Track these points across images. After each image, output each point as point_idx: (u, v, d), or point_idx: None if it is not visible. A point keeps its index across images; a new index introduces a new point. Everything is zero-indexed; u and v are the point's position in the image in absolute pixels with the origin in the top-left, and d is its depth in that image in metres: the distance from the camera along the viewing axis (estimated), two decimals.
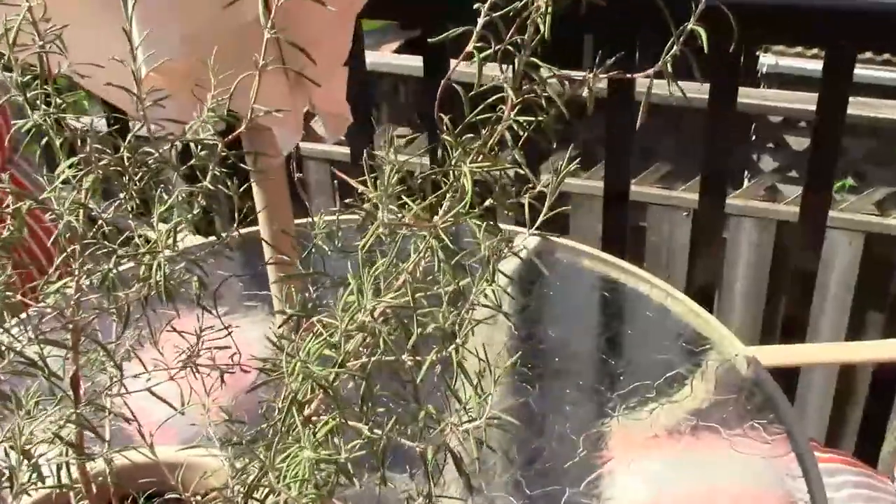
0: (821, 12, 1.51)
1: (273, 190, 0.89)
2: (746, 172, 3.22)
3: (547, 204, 0.53)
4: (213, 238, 0.64)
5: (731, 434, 1.25)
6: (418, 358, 0.59)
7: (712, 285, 1.81)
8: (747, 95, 2.87)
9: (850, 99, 1.54)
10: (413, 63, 3.09)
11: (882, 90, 3.27)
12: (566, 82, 0.57)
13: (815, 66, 3.60)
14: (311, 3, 0.66)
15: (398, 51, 4.25)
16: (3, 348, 0.56)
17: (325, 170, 3.22)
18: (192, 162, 0.68)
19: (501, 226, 0.58)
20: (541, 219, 0.54)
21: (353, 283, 0.50)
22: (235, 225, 0.62)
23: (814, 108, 2.43)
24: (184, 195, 0.60)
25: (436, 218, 0.56)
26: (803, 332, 1.73)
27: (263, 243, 0.90)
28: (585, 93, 0.58)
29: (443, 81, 0.55)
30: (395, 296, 0.57)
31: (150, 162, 0.68)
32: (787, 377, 1.80)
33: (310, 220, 0.70)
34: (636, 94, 1.70)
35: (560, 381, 1.40)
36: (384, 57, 3.36)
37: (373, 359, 0.58)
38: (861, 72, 1.54)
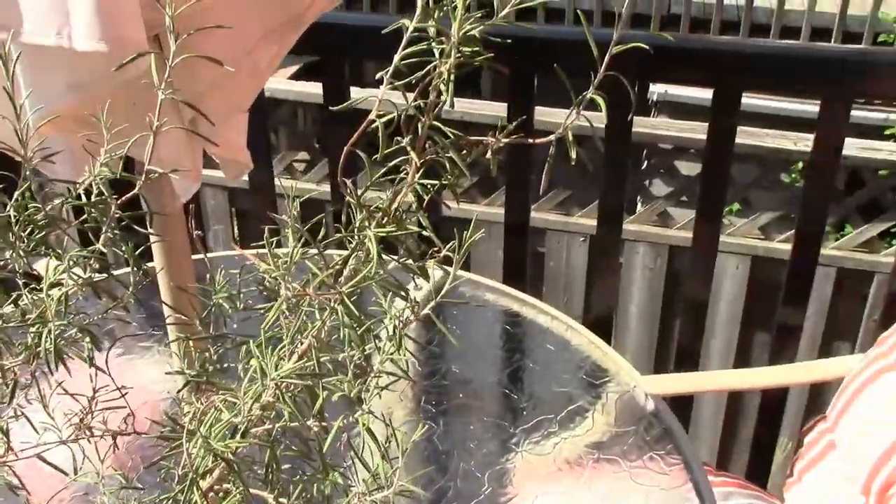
0: (707, 53, 1.57)
1: (172, 245, 0.87)
2: (639, 198, 3.31)
3: (452, 275, 0.53)
4: (106, 299, 0.62)
5: (631, 466, 1.28)
6: (324, 424, 0.58)
7: (610, 314, 1.85)
8: (640, 124, 2.96)
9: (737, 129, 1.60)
10: (312, 90, 3.07)
11: (765, 119, 3.42)
12: (470, 146, 0.57)
13: (703, 94, 3.74)
14: (207, 48, 0.65)
15: (295, 76, 4.21)
16: None
17: (223, 196, 3.16)
18: (84, 218, 0.66)
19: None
20: (445, 288, 0.53)
21: (254, 362, 0.49)
22: (130, 289, 0.60)
23: (703, 136, 2.53)
24: (75, 259, 0.58)
25: (341, 284, 0.55)
26: (696, 359, 1.78)
27: (162, 299, 0.88)
28: (489, 155, 0.58)
29: (346, 148, 0.54)
30: (298, 363, 0.55)
31: (39, 220, 0.65)
32: (682, 404, 1.85)
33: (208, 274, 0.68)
34: (534, 123, 1.73)
35: (464, 417, 1.40)
36: (282, 83, 3.32)
37: (277, 425, 0.57)
38: (746, 101, 1.61)
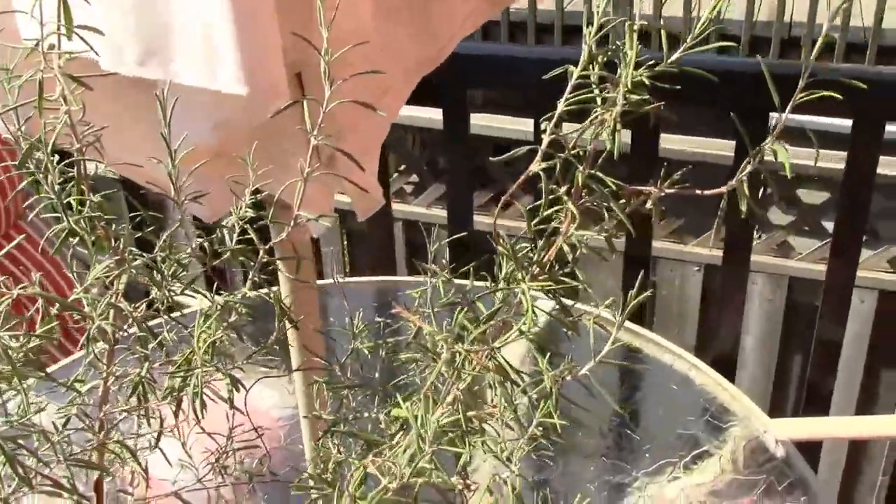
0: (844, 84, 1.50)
1: (303, 287, 0.86)
2: (756, 227, 3.20)
3: (615, 333, 0.50)
4: (251, 346, 0.61)
5: None
6: (468, 482, 0.56)
7: (733, 351, 1.77)
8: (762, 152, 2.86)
9: None
10: (424, 114, 3.08)
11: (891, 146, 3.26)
12: (630, 197, 0.55)
13: (825, 120, 3.60)
14: (346, 90, 0.64)
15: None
16: (31, 471, 0.52)
17: (333, 218, 3.20)
18: (225, 258, 0.66)
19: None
20: (606, 349, 0.50)
21: (413, 432, 0.47)
22: (274, 336, 0.59)
23: (826, 164, 2.41)
24: (220, 305, 0.57)
25: (494, 341, 0.53)
26: (828, 402, 1.69)
27: (291, 345, 0.87)
28: (649, 205, 0.55)
29: (503, 199, 0.52)
30: (449, 419, 0.53)
31: (182, 259, 0.65)
32: (809, 449, 1.76)
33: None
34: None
35: (583, 458, 1.36)
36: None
37: (420, 480, 0.55)
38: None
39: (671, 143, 2.63)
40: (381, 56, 0.76)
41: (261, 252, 0.58)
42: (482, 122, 3.01)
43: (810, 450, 1.88)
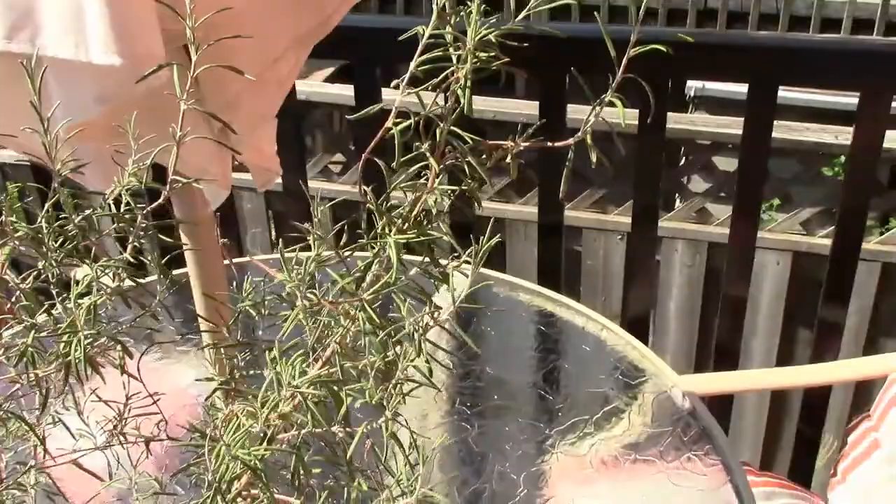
0: (744, 48, 1.55)
1: (204, 252, 0.88)
2: (677, 194, 3.28)
3: (471, 277, 0.53)
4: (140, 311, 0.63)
5: (668, 467, 1.27)
6: (349, 429, 0.59)
7: (647, 313, 1.83)
8: (677, 120, 2.93)
9: (775, 122, 1.57)
10: (347, 93, 3.08)
11: (805, 112, 3.36)
12: (490, 151, 0.57)
13: (741, 88, 3.69)
14: (234, 60, 0.66)
15: (330, 78, 4.24)
16: None
17: (259, 200, 3.19)
18: (114, 227, 0.67)
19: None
20: (465, 292, 0.53)
21: (271, 373, 0.49)
22: (158, 298, 0.60)
23: (741, 131, 2.49)
24: (104, 268, 0.59)
25: (363, 292, 0.55)
26: (736, 357, 1.76)
27: (194, 305, 0.89)
28: (509, 159, 0.58)
29: (364, 155, 0.54)
30: (321, 370, 0.56)
31: (70, 230, 0.66)
32: (722, 403, 1.83)
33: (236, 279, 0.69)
34: (568, 121, 1.71)
35: (499, 419, 1.40)
36: (317, 86, 3.34)
37: (302, 432, 0.57)
38: (785, 94, 1.59)
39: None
40: (264, 25, 0.77)
41: (139, 217, 0.60)
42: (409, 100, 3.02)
43: (722, 405, 1.96)
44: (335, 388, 0.56)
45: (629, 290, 1.80)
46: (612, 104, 0.54)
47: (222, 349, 0.71)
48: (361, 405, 0.58)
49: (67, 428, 0.73)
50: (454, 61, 0.54)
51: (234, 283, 0.69)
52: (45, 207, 0.65)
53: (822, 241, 2.83)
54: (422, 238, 0.56)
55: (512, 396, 1.46)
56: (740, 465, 1.27)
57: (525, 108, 2.93)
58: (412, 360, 0.54)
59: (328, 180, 3.29)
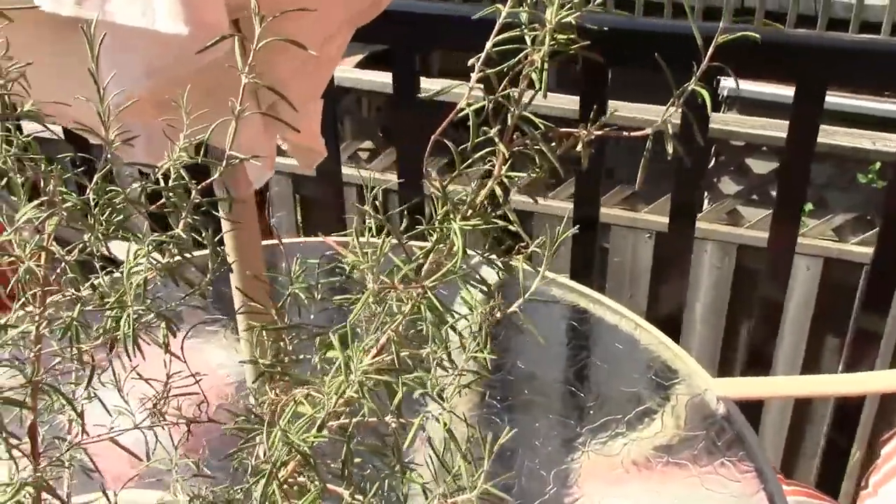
0: (792, 47, 1.52)
1: (244, 232, 0.86)
2: (707, 195, 3.24)
3: (542, 273, 0.51)
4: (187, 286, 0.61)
5: (701, 471, 1.24)
6: (402, 420, 0.57)
7: (679, 313, 1.80)
8: (711, 120, 2.89)
9: None
10: (379, 79, 3.06)
11: (840, 117, 3.32)
12: (560, 138, 0.55)
13: (775, 90, 3.65)
14: (282, 42, 0.64)
15: (360, 64, 4.22)
16: None
17: (287, 183, 3.18)
18: (161, 203, 0.65)
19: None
20: (534, 285, 0.51)
21: (335, 355, 0.48)
22: (209, 276, 0.59)
23: (776, 132, 2.45)
24: (154, 243, 0.57)
25: (425, 279, 0.53)
26: (768, 362, 1.73)
27: (233, 286, 0.87)
28: (579, 147, 0.56)
29: (433, 137, 0.52)
30: (379, 357, 0.54)
31: (117, 203, 0.64)
32: (750, 408, 1.80)
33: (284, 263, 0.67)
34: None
35: (529, 414, 1.38)
36: (349, 72, 3.32)
37: (354, 420, 0.55)
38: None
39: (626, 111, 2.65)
40: (320, 3, 0.75)
41: (193, 192, 0.58)
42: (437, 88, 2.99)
43: (751, 409, 1.93)
44: (392, 377, 0.54)
45: (661, 290, 1.77)
46: (691, 95, 0.51)
47: (265, 332, 0.69)
48: (412, 397, 0.56)
49: (104, 405, 0.72)
50: (529, 44, 0.52)
51: (284, 266, 0.67)
52: (94, 179, 0.63)
53: (854, 247, 2.79)
54: (488, 225, 0.54)
55: (542, 392, 1.44)
56: (775, 473, 1.25)
57: (559, 103, 2.90)
58: (475, 352, 0.52)
59: (357, 166, 3.28)
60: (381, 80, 3.01)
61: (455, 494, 0.52)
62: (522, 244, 0.54)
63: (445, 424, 0.53)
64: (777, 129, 2.72)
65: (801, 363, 2.79)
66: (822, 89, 1.45)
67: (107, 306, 0.56)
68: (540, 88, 0.52)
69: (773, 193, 2.98)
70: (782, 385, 1.52)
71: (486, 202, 0.56)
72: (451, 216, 0.55)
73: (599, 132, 0.54)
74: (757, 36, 0.46)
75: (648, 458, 1.28)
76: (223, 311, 1.47)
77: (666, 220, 2.76)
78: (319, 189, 2.22)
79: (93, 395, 0.71)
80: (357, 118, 3.56)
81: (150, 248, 0.56)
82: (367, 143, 3.45)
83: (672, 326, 1.77)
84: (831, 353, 2.86)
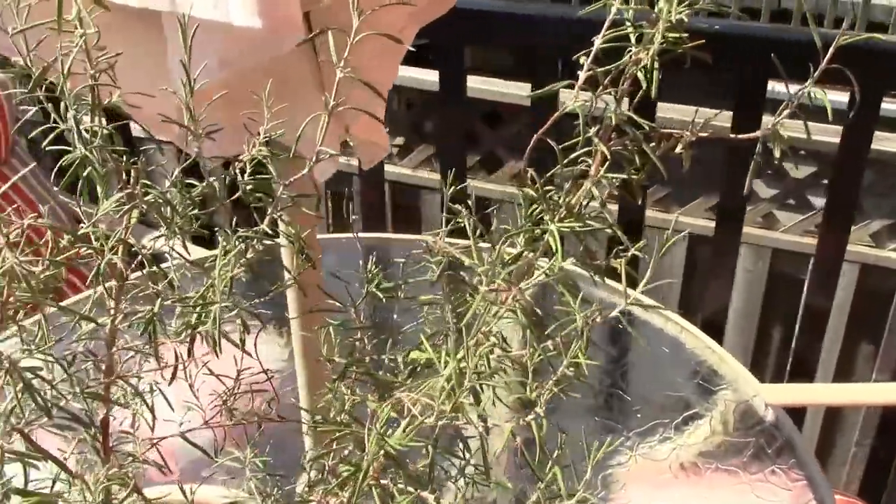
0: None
1: (304, 226, 0.85)
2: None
3: (649, 273, 0.50)
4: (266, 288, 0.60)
5: (752, 479, 1.23)
6: (488, 425, 0.56)
7: (722, 317, 1.78)
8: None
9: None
10: (414, 75, 3.05)
11: (883, 121, 3.27)
12: (661, 140, 0.54)
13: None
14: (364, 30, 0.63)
15: None
16: (46, 402, 0.51)
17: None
18: (237, 196, 0.64)
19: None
20: (640, 287, 0.50)
21: (448, 365, 0.46)
22: (293, 274, 0.58)
23: (816, 136, 2.40)
24: (237, 242, 0.56)
25: (522, 282, 0.52)
26: (812, 370, 1.71)
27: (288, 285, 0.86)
28: (679, 149, 0.54)
29: (535, 136, 0.51)
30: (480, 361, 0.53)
31: (195, 195, 0.64)
32: (794, 415, 1.78)
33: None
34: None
35: (576, 418, 1.37)
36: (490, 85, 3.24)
37: (441, 423, 0.54)
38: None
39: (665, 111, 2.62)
40: None
41: (280, 188, 0.57)
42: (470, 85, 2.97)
43: (794, 417, 1.90)
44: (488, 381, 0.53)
45: (702, 293, 1.75)
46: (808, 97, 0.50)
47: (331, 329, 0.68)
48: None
49: (168, 401, 0.71)
50: (635, 41, 0.51)
51: (361, 263, 0.67)
52: (174, 172, 0.63)
53: (892, 254, 2.76)
54: (586, 228, 0.53)
55: (588, 395, 1.42)
56: (827, 482, 1.23)
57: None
58: (575, 357, 0.51)
59: (388, 162, 3.27)
60: (416, 75, 2.99)
61: (551, 502, 0.50)
62: (622, 247, 0.53)
63: (541, 430, 0.52)
64: (815, 132, 2.69)
65: (834, 370, 2.75)
66: (879, 96, 1.42)
67: (192, 302, 0.55)
68: (648, 89, 0.51)
69: (810, 198, 2.95)
70: (832, 393, 1.50)
71: (581, 204, 0.55)
72: (547, 217, 0.54)
73: (703, 134, 0.53)
74: (881, 37, 0.45)
75: (697, 463, 1.27)
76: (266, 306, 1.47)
77: (699, 221, 2.74)
78: (360, 183, 2.21)
79: (157, 390, 0.70)
80: (388, 114, 3.54)
81: (239, 243, 0.55)
82: (398, 139, 3.44)
83: (714, 330, 1.75)
84: (865, 360, 2.83)
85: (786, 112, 0.48)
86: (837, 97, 1.60)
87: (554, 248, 0.52)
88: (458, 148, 1.66)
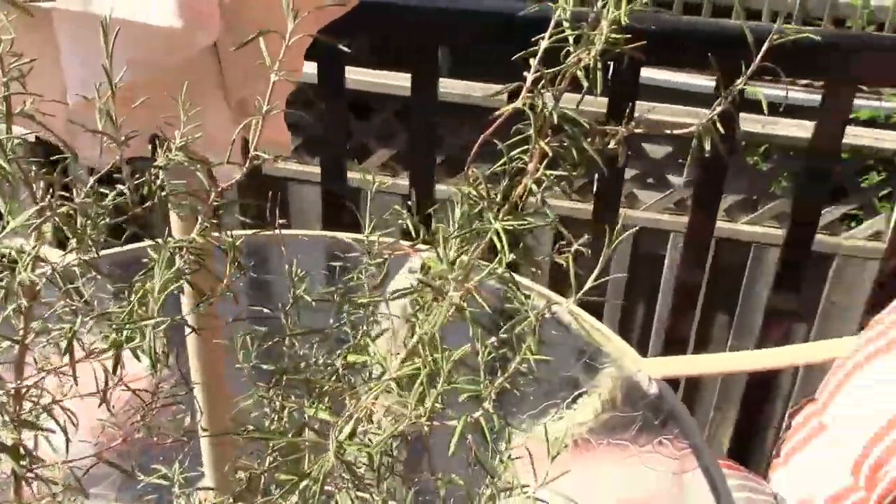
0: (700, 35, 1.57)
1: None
2: (596, 177, 3.32)
3: (596, 271, 0.51)
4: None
5: (641, 451, 1.28)
6: (436, 423, 0.56)
7: (602, 296, 1.84)
8: (594, 104, 2.96)
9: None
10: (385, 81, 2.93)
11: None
12: (594, 136, 0.55)
13: (663, 76, 3.76)
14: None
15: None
16: None
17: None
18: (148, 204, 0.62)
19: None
20: (588, 285, 0.51)
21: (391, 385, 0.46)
22: (224, 283, 0.56)
23: (670, 118, 2.51)
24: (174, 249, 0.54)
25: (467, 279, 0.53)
26: (686, 343, 1.80)
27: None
28: (613, 144, 0.56)
29: (482, 136, 0.52)
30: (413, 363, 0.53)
31: (107, 205, 0.61)
32: (673, 386, 1.86)
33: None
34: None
35: (470, 402, 1.38)
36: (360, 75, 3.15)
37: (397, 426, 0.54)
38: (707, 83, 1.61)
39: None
40: None
41: (213, 193, 0.55)
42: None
43: (673, 386, 2.00)
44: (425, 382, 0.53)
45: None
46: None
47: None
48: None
49: (74, 422, 0.67)
50: (573, 42, 0.52)
51: (287, 266, 0.65)
52: (90, 182, 0.59)
53: (744, 227, 2.93)
54: (529, 225, 0.54)
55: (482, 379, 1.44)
56: (709, 448, 1.30)
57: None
58: (526, 354, 0.52)
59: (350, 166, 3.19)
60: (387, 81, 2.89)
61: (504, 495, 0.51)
62: (564, 243, 0.54)
63: (492, 428, 0.52)
64: (670, 114, 2.80)
65: (694, 341, 2.90)
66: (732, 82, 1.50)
67: (122, 318, 0.53)
68: (586, 88, 0.52)
69: (670, 177, 3.09)
70: (712, 363, 1.58)
71: (519, 202, 0.56)
72: (490, 215, 0.54)
73: (638, 130, 0.55)
74: (818, 38, 0.48)
75: (589, 440, 1.31)
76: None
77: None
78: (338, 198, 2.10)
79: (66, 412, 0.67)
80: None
81: (173, 253, 0.53)
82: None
83: (590, 309, 1.81)
84: (721, 329, 2.99)
85: (718, 110, 0.50)
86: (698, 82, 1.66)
87: (499, 245, 0.53)
88: (341, 142, 1.64)
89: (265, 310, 0.63)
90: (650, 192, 3.02)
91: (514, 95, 0.54)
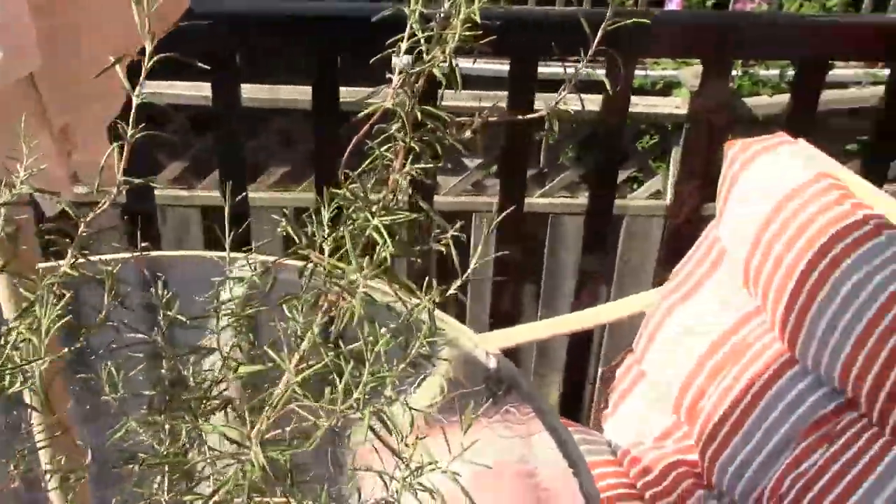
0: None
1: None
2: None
3: (473, 263, 0.55)
4: None
5: (491, 422, 1.34)
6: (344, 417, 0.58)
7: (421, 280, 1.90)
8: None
9: None
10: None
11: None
12: (453, 128, 0.59)
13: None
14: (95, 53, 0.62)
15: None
16: None
17: None
18: None
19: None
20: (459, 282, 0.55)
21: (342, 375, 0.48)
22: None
23: (469, 103, 2.61)
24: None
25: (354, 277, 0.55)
26: (513, 316, 1.88)
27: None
28: (468, 134, 0.60)
29: (353, 141, 0.54)
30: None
31: None
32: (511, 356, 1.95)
33: None
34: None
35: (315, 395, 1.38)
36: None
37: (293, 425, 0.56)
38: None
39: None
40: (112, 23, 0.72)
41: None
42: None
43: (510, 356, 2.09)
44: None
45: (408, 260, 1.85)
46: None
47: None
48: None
49: None
50: (425, 40, 0.55)
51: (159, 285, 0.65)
52: None
53: (540, 199, 3.09)
54: (406, 218, 0.57)
55: (322, 377, 1.45)
56: (552, 408, 1.38)
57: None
58: (424, 340, 0.55)
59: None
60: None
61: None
62: (440, 231, 0.57)
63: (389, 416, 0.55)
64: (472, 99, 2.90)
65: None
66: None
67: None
68: (446, 84, 0.55)
69: (465, 160, 3.20)
70: (540, 329, 1.67)
71: (396, 198, 0.59)
72: (368, 214, 0.57)
73: (496, 120, 0.59)
74: (646, 22, 0.53)
75: (436, 420, 1.35)
76: None
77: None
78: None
79: None
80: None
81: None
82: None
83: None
84: (529, 300, 3.15)
85: (565, 93, 0.54)
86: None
87: (380, 241, 0.55)
88: (333, 162, 1.58)
89: (140, 335, 0.62)
90: (447, 176, 3.12)
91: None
